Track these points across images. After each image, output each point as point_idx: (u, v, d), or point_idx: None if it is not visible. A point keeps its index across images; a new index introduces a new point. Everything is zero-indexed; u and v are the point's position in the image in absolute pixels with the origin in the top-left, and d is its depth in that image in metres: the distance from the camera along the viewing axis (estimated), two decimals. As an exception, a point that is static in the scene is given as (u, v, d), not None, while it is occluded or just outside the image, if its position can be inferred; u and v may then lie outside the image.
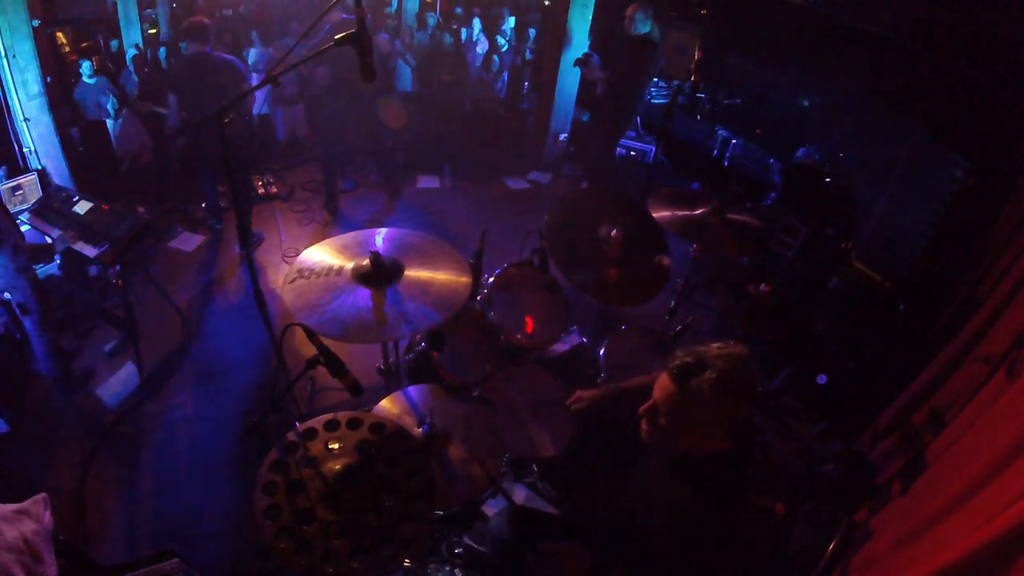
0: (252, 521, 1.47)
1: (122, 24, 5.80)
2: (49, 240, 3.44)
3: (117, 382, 3.41)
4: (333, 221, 5.23)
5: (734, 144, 6.11)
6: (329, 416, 1.72)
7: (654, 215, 2.73)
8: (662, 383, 1.47)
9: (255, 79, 5.87)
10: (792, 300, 2.67)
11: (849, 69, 5.06)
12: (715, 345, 1.43)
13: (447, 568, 2.15)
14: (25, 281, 2.92)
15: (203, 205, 4.96)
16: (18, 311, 2.96)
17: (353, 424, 1.70)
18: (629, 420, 1.82)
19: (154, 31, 6.20)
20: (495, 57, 6.78)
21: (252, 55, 6.03)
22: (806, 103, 5.69)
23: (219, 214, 4.85)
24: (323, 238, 2.24)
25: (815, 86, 5.61)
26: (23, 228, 3.44)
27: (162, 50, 5.68)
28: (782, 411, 3.32)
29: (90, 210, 3.26)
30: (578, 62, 5.07)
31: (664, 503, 1.53)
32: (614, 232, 2.66)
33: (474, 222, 5.09)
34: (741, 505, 1.50)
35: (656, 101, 6.64)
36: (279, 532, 1.44)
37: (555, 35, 5.85)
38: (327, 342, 1.75)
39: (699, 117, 6.50)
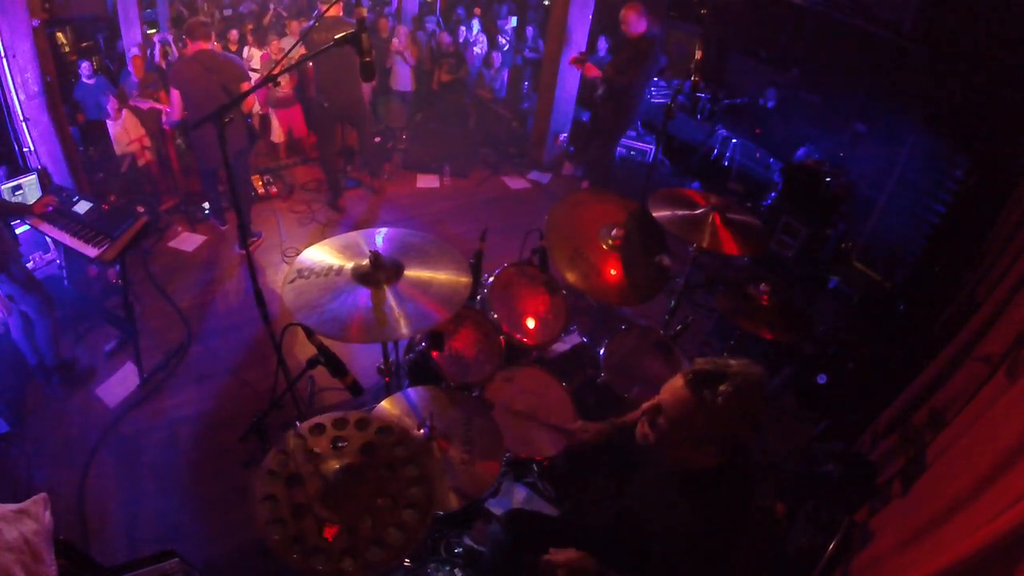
0: (251, 516, 1.46)
1: (122, 24, 5.81)
2: (50, 240, 3.45)
3: (117, 382, 3.41)
4: (337, 218, 5.24)
5: (734, 144, 6.12)
6: (338, 414, 1.72)
7: (654, 215, 2.73)
8: (673, 385, 1.44)
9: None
10: (792, 300, 2.67)
11: (849, 69, 5.07)
12: (736, 361, 1.40)
13: (447, 568, 2.15)
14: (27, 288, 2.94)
15: (204, 205, 4.97)
16: (10, 302, 2.98)
17: (361, 425, 1.70)
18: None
19: (154, 31, 6.20)
20: (496, 54, 6.78)
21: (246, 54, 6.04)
22: (807, 103, 5.69)
23: (222, 214, 4.87)
24: (323, 238, 2.24)
25: (815, 86, 5.61)
26: (23, 228, 3.46)
27: (156, 47, 5.68)
28: (782, 411, 3.32)
29: (90, 210, 3.26)
30: (574, 60, 5.07)
31: (662, 511, 1.52)
32: (614, 232, 2.66)
33: (474, 222, 5.09)
34: (741, 519, 1.48)
35: (656, 101, 6.64)
36: (273, 522, 1.44)
37: (555, 35, 5.85)
38: (327, 342, 1.75)
39: (699, 117, 6.51)
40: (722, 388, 1.35)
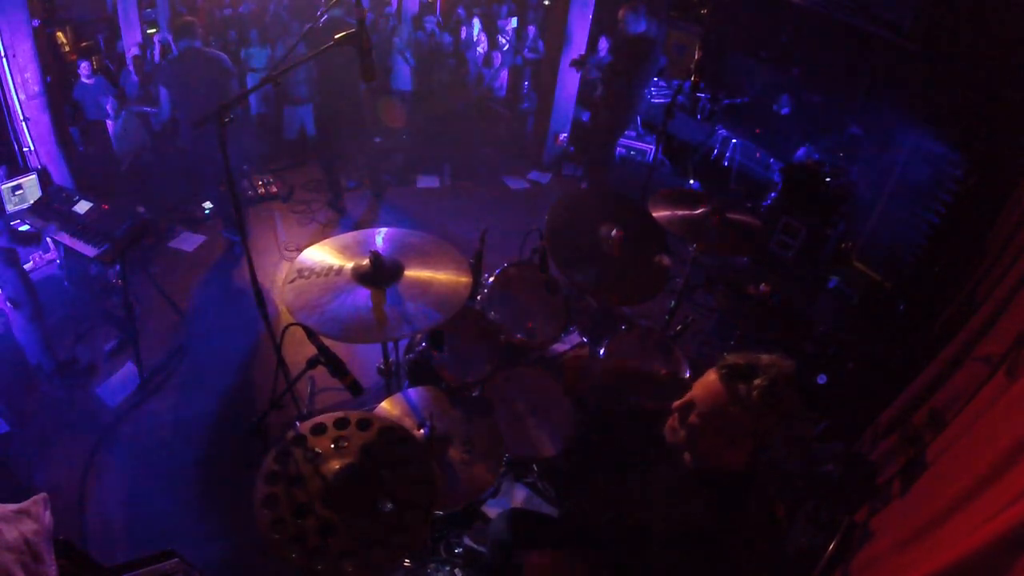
0: (251, 516, 1.46)
1: (122, 24, 5.81)
2: (50, 240, 3.44)
3: (117, 382, 3.41)
4: (339, 219, 5.24)
5: (734, 144, 6.12)
6: (340, 414, 1.72)
7: (654, 215, 2.73)
8: (706, 381, 1.43)
9: (253, 78, 5.88)
10: (792, 300, 2.67)
11: (849, 69, 5.06)
12: (766, 355, 1.39)
13: (447, 568, 2.16)
14: (13, 272, 2.92)
15: (204, 205, 4.96)
16: (10, 305, 2.97)
17: (362, 424, 1.70)
18: (631, 422, 1.81)
19: (154, 31, 6.20)
20: (496, 54, 6.78)
21: (253, 55, 6.03)
22: (807, 103, 5.68)
23: (231, 224, 4.60)
24: (323, 238, 2.24)
25: (815, 86, 5.61)
26: (22, 228, 3.45)
27: (156, 47, 5.68)
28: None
29: (90, 210, 3.26)
30: (574, 62, 5.07)
31: (663, 511, 1.52)
32: (614, 232, 2.66)
33: (474, 222, 5.09)
34: (743, 521, 1.47)
35: (656, 101, 6.64)
36: (274, 522, 1.44)
37: (555, 35, 5.84)
38: (327, 342, 1.75)
39: (699, 117, 6.51)
40: (757, 382, 1.34)
